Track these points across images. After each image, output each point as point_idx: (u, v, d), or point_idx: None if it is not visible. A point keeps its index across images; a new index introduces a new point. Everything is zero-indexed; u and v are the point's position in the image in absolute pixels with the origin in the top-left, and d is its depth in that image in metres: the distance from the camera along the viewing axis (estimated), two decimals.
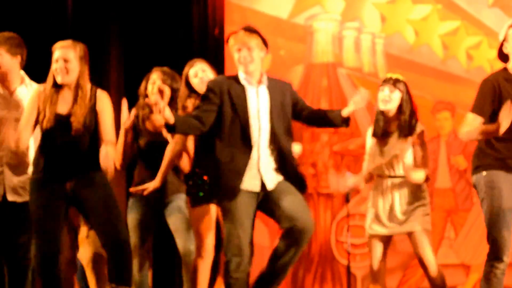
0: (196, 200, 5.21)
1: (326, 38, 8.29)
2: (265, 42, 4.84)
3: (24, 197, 5.04)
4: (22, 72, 5.23)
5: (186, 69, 5.40)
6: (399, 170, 5.35)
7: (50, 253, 4.78)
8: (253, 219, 4.72)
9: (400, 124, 5.38)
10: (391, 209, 5.34)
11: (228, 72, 7.96)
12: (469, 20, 8.25)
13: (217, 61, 7.82)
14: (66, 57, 4.80)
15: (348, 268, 6.98)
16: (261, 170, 4.70)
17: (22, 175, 5.09)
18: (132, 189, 5.40)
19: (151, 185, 5.31)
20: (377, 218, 5.38)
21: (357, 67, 8.28)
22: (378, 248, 5.40)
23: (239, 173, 4.66)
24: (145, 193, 5.31)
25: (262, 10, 8.26)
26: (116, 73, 8.04)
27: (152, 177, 5.37)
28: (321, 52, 8.28)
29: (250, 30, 4.84)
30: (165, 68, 5.58)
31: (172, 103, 5.44)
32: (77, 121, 4.75)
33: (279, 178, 4.74)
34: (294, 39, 8.26)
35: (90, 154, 4.84)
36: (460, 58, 8.27)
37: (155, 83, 5.49)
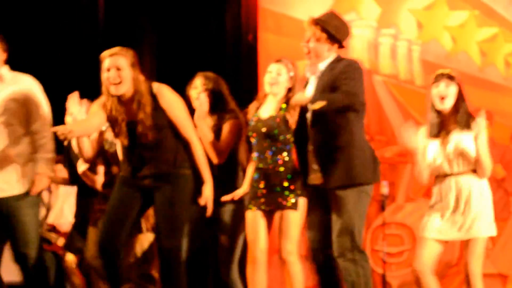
0: (247, 204, 5.32)
1: (361, 44, 8.25)
2: (329, 32, 4.78)
3: (6, 192, 4.94)
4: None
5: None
6: (463, 166, 5.13)
7: (108, 241, 4.73)
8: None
9: (459, 119, 5.13)
10: (454, 211, 5.12)
11: (261, 78, 7.86)
12: (507, 26, 8.19)
13: (250, 67, 7.80)
14: (118, 65, 4.67)
15: (383, 277, 7.00)
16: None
17: (5, 169, 4.95)
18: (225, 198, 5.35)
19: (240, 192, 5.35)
20: (436, 221, 5.16)
21: (393, 74, 8.23)
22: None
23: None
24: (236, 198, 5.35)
25: (296, 16, 8.19)
26: (149, 79, 8.01)
27: None
28: (356, 59, 8.18)
29: (313, 21, 4.85)
30: (208, 73, 5.57)
31: (217, 107, 5.46)
32: (144, 129, 4.69)
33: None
34: None
35: (169, 153, 4.77)
36: (498, 65, 8.21)
37: (196, 88, 5.49)
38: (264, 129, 5.27)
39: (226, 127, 5.41)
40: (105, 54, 4.74)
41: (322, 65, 4.82)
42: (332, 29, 4.78)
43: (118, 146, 5.41)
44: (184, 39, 8.18)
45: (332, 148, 4.68)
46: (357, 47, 8.23)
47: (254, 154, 5.34)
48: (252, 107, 5.47)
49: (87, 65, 6.29)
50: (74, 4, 8.12)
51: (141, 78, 4.75)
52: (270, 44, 8.26)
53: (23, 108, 4.97)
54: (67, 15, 8.07)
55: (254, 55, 8.09)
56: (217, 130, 5.41)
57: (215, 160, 5.34)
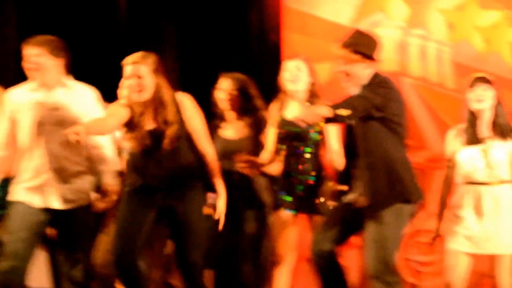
0: (277, 204, 5.25)
1: (389, 46, 8.11)
2: (362, 53, 4.72)
3: (74, 204, 4.98)
4: (66, 76, 5.15)
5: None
6: (498, 177, 5.11)
7: (123, 255, 4.71)
8: None
9: (497, 125, 5.15)
10: (486, 222, 5.09)
11: None
12: None
13: (274, 67, 7.77)
14: (139, 73, 4.68)
15: (415, 287, 7.05)
16: None
17: (71, 182, 4.99)
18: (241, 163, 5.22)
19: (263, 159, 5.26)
20: (466, 232, 5.14)
21: (423, 76, 8.08)
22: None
23: None
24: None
25: (322, 16, 8.15)
26: (171, 78, 7.99)
27: None
28: (385, 61, 7.95)
29: (343, 45, 4.74)
30: (235, 74, 5.52)
31: (246, 112, 5.43)
32: (168, 137, 4.65)
33: None
34: None
35: (183, 165, 4.74)
36: None
37: (223, 90, 5.45)
38: (293, 132, 5.22)
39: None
40: (126, 61, 4.72)
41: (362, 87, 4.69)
42: (363, 48, 4.72)
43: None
44: (207, 38, 8.17)
45: (379, 167, 4.61)
46: (385, 48, 8.00)
47: (285, 158, 5.29)
48: (273, 108, 5.37)
49: (109, 66, 6.32)
50: (95, 5, 8.14)
51: (164, 84, 4.72)
52: (295, 44, 8.20)
53: (86, 119, 4.96)
54: (88, 16, 8.10)
55: (278, 55, 8.04)
56: (254, 136, 5.38)
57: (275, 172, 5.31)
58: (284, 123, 5.27)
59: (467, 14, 8.08)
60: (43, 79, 5.01)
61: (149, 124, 4.71)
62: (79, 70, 6.79)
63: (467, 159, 5.15)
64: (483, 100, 5.15)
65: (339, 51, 4.73)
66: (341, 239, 4.75)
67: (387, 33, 8.12)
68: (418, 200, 4.74)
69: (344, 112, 4.43)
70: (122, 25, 8.07)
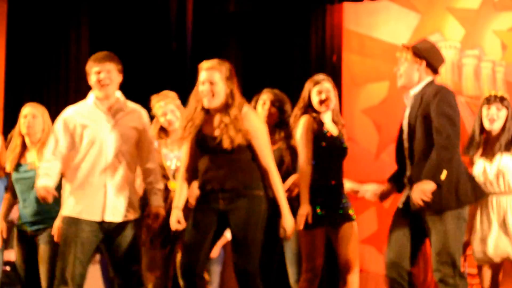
0: (310, 224, 5.16)
1: (445, 65, 7.72)
2: (423, 56, 4.79)
3: (125, 217, 4.95)
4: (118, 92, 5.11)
5: (309, 84, 5.34)
6: (504, 187, 5.24)
7: (189, 265, 4.72)
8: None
9: (501, 140, 5.27)
10: (498, 230, 5.22)
11: (345, 98, 7.94)
12: None
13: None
14: (212, 80, 4.68)
15: None
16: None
17: (124, 195, 4.94)
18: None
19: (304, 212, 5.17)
20: (483, 242, 5.26)
21: (477, 95, 8.09)
22: (487, 275, 5.33)
23: None
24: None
25: (380, 38, 8.23)
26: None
27: None
28: (440, 80, 7.87)
29: (405, 46, 4.81)
30: (276, 90, 5.58)
31: (281, 126, 5.48)
32: (225, 144, 4.66)
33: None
34: None
35: (244, 172, 4.74)
36: None
37: (265, 103, 5.51)
38: (335, 147, 5.29)
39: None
40: (202, 66, 4.76)
41: (415, 90, 4.78)
42: (424, 53, 4.80)
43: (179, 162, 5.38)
44: (269, 59, 8.25)
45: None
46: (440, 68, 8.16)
47: (323, 171, 5.28)
48: (307, 123, 5.27)
49: (175, 86, 6.38)
50: (162, 27, 8.28)
51: (236, 91, 4.75)
52: (354, 65, 8.31)
53: (137, 138, 4.99)
54: (155, 37, 8.24)
55: (338, 76, 8.07)
56: (285, 148, 5.45)
57: None
58: (324, 138, 5.25)
59: None
60: (107, 94, 4.96)
61: (211, 129, 4.72)
62: (144, 85, 6.92)
63: (477, 171, 5.28)
64: (496, 121, 5.27)
65: (401, 52, 4.77)
66: (415, 255, 4.76)
67: (443, 53, 7.87)
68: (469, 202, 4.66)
69: (444, 174, 4.47)
70: (189, 44, 8.23)
